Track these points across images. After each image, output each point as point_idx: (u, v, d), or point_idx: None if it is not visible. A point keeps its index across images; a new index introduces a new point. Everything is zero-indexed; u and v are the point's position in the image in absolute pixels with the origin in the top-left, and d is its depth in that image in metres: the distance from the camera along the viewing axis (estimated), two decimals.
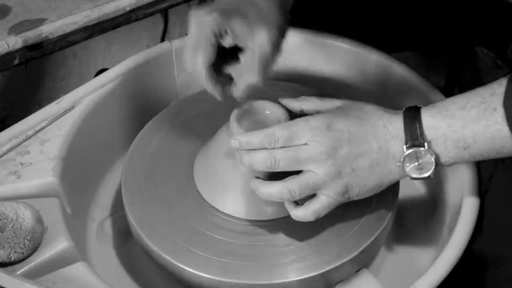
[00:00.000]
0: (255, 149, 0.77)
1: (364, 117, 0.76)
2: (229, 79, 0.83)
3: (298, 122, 0.76)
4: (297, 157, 0.75)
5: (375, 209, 0.78)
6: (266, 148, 0.76)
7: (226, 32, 0.79)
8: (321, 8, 1.08)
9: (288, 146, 0.76)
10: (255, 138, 0.77)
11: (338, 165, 0.74)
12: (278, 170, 0.76)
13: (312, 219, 0.77)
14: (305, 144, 0.75)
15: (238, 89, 0.81)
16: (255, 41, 0.79)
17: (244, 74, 0.80)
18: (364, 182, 0.76)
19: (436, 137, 0.73)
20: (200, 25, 0.79)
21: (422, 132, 0.73)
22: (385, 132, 0.75)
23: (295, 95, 0.84)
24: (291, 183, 0.76)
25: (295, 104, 0.82)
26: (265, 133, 0.77)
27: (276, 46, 0.80)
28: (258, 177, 0.79)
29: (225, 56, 0.82)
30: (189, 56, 0.80)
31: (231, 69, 0.83)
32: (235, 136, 0.79)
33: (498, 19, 1.01)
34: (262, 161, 0.76)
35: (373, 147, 0.75)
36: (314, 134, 0.75)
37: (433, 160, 0.73)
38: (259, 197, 0.79)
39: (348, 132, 0.75)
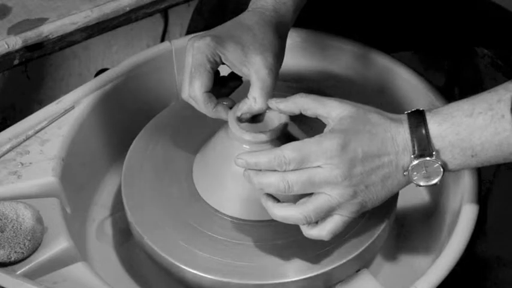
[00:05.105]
0: (263, 170, 0.75)
1: (373, 132, 0.73)
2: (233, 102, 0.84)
3: (310, 144, 0.73)
4: (311, 180, 0.73)
5: (374, 210, 0.78)
6: (276, 170, 0.74)
7: (220, 59, 0.80)
8: (321, 8, 1.08)
9: (300, 169, 0.73)
10: (263, 158, 0.74)
11: (353, 185, 0.73)
12: (291, 194, 0.74)
13: (327, 239, 0.76)
14: (318, 166, 0.73)
15: (239, 111, 0.81)
16: (251, 68, 0.79)
17: (246, 99, 0.81)
18: (377, 195, 0.75)
19: (444, 146, 0.72)
20: (194, 52, 0.79)
21: (429, 142, 0.72)
22: (394, 145, 0.73)
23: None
24: (305, 208, 0.74)
25: (294, 109, 0.78)
26: (274, 154, 0.73)
27: (273, 72, 0.80)
28: (268, 195, 0.77)
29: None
30: (186, 84, 0.81)
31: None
32: (241, 155, 0.76)
33: (497, 20, 1.01)
34: (274, 185, 0.74)
35: (384, 162, 0.73)
36: (328, 156, 0.72)
37: (441, 169, 0.73)
38: (272, 217, 0.77)
39: (362, 151, 0.73)
